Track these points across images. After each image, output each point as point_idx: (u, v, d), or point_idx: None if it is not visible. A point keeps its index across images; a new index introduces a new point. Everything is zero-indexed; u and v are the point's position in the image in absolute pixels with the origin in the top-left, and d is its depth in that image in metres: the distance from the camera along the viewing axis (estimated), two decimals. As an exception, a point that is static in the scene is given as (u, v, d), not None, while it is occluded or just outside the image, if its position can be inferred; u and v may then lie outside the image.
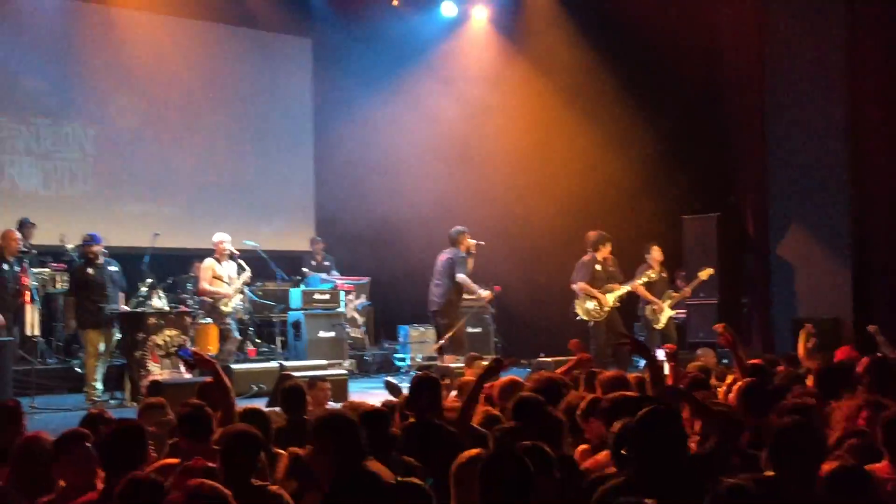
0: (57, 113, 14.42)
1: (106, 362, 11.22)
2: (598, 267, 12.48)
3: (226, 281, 12.00)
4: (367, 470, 4.29)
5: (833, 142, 13.60)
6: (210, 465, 4.31)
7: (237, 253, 12.35)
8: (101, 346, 11.10)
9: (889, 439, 4.59)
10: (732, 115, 14.75)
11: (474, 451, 4.17)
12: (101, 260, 11.22)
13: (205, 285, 11.94)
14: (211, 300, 12.02)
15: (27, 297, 11.46)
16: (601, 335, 12.39)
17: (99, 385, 11.08)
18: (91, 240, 11.28)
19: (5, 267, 11.11)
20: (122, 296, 11.56)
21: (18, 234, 11.37)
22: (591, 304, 12.42)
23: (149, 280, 12.14)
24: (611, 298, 12.39)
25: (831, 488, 4.00)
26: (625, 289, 12.52)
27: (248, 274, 12.36)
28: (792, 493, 3.98)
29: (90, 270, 11.16)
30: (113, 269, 11.36)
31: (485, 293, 12.48)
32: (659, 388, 5.53)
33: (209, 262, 12.08)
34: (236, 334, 12.24)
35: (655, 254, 12.97)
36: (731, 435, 4.80)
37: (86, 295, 11.11)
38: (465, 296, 12.54)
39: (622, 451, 4.36)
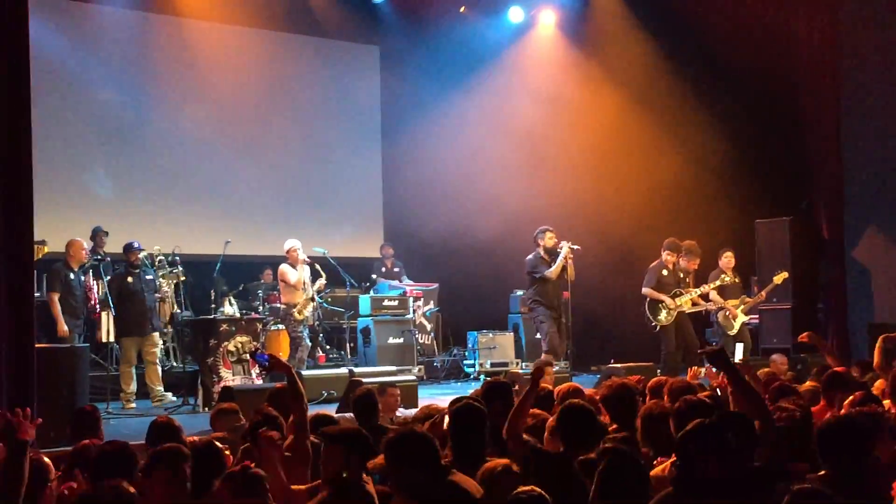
0: (132, 124, 14.65)
1: (157, 367, 11.37)
2: (664, 272, 12.36)
3: (301, 288, 12.14)
4: (453, 483, 4.30)
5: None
6: (257, 470, 4.32)
7: (309, 261, 12.45)
8: (135, 354, 11.29)
9: None
10: (806, 118, 14.49)
11: (503, 462, 4.18)
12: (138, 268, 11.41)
13: (282, 287, 12.12)
14: (284, 306, 12.14)
15: (95, 304, 11.65)
16: (670, 340, 12.26)
17: (160, 388, 11.28)
18: (130, 247, 11.46)
19: (72, 276, 11.29)
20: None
21: (85, 245, 11.55)
22: (658, 308, 12.30)
23: (223, 287, 12.31)
24: (679, 301, 12.25)
25: None
26: (695, 292, 12.36)
27: (322, 281, 12.46)
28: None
29: (129, 279, 11.34)
30: (149, 276, 11.50)
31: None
32: (740, 391, 5.29)
33: (283, 267, 12.21)
34: (307, 342, 12.34)
35: (728, 259, 12.80)
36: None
37: (126, 303, 11.30)
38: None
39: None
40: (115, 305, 11.29)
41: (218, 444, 4.93)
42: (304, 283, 12.18)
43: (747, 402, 4.97)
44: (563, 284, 12.43)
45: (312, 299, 12.37)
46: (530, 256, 12.38)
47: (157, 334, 11.52)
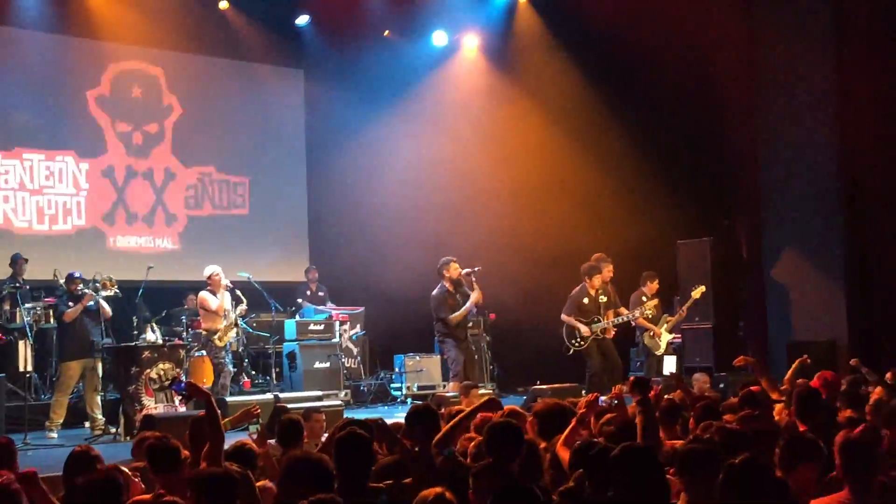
0: (49, 148, 14.41)
1: (98, 393, 11.20)
2: (585, 300, 12.48)
3: (221, 314, 11.95)
4: None
5: (825, 164, 13.64)
6: (171, 498, 4.26)
7: (230, 285, 12.32)
8: (75, 380, 11.16)
9: (846, 464, 4.52)
10: (726, 140, 14.76)
11: (437, 490, 4.17)
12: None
13: (203, 313, 11.93)
14: (205, 333, 11.97)
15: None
16: (594, 361, 12.38)
17: (101, 417, 11.13)
18: (71, 277, 11.35)
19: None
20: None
21: None
22: (574, 334, 12.43)
23: (145, 314, 12.13)
24: (595, 328, 12.37)
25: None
26: (615, 321, 12.46)
27: (243, 306, 12.32)
28: None
29: (71, 304, 11.20)
30: (91, 302, 11.33)
31: (471, 299, 12.30)
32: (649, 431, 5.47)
33: (203, 293, 12.03)
34: (230, 368, 12.17)
35: (652, 285, 12.99)
36: None
37: (68, 330, 11.20)
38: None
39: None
40: (57, 333, 11.30)
41: (125, 469, 4.90)
42: (224, 310, 12.01)
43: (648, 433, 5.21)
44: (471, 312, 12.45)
45: (234, 325, 12.21)
46: (435, 292, 12.25)
47: (99, 361, 11.31)
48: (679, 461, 4.50)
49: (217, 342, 11.86)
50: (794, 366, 8.97)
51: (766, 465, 4.32)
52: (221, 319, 11.91)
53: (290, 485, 4.39)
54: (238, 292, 12.32)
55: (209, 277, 12.05)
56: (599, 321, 12.38)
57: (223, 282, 12.07)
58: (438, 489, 4.21)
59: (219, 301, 11.99)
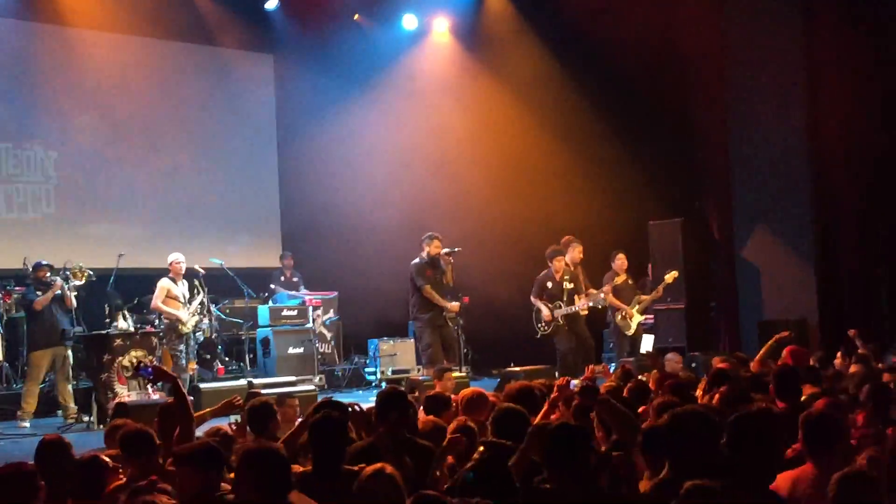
0: (18, 136, 14.27)
1: (70, 382, 11.14)
2: (549, 284, 12.55)
3: (182, 301, 11.86)
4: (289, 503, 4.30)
5: (793, 145, 13.75)
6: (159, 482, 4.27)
7: (202, 271, 12.26)
8: (44, 369, 11.12)
9: (807, 438, 4.62)
10: (695, 121, 14.85)
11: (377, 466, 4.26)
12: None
13: (159, 304, 11.78)
14: (168, 320, 11.85)
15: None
16: (563, 341, 12.47)
17: (73, 405, 11.09)
18: (39, 265, 11.31)
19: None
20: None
21: None
22: (540, 318, 12.52)
23: (117, 302, 12.06)
24: (558, 314, 12.44)
25: None
26: (579, 306, 12.51)
27: (203, 296, 12.20)
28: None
29: (38, 293, 11.14)
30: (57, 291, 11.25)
31: (451, 304, 12.45)
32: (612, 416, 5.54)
33: (164, 281, 11.91)
34: (183, 361, 11.84)
35: (620, 261, 13.08)
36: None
37: (36, 318, 11.17)
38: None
39: None
40: (26, 322, 11.28)
41: (103, 457, 4.88)
42: (184, 297, 11.92)
43: (619, 423, 5.26)
44: (446, 290, 12.47)
45: (196, 313, 12.09)
46: (415, 261, 12.39)
47: (70, 350, 11.23)
48: (643, 440, 4.55)
49: (182, 329, 11.75)
50: (769, 344, 9.06)
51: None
52: (182, 306, 11.82)
53: (244, 477, 4.36)
54: (198, 281, 12.21)
55: (171, 264, 11.97)
56: (561, 306, 12.44)
57: (183, 268, 11.96)
58: (380, 465, 4.28)
59: (179, 289, 11.89)
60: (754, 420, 4.30)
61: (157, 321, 12.53)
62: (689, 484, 3.78)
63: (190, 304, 11.87)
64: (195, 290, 12.08)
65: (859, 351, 9.66)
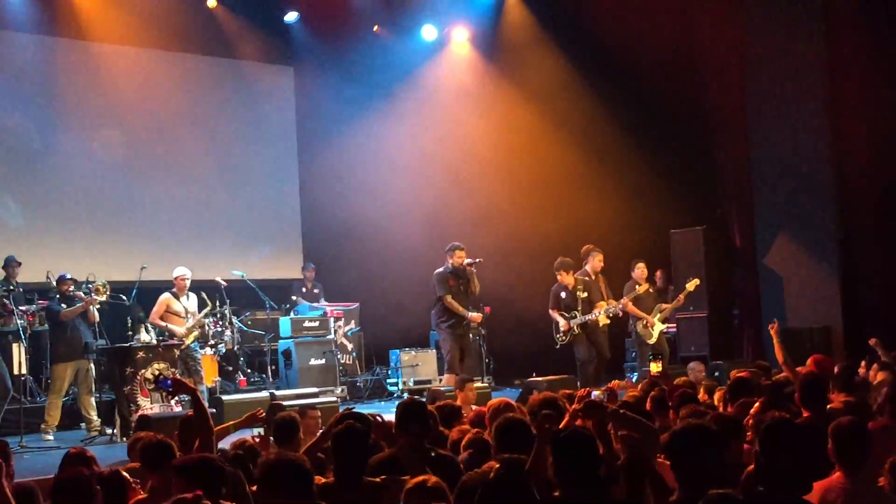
0: (42, 150, 14.36)
1: (92, 395, 11.18)
2: (563, 294, 12.51)
3: (183, 316, 11.85)
4: None
5: (816, 151, 13.66)
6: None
7: (224, 283, 12.24)
8: (67, 381, 11.13)
9: (838, 448, 4.57)
10: (715, 129, 14.79)
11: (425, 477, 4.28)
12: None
13: (156, 318, 11.73)
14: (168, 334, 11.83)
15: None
16: (581, 354, 12.43)
17: (96, 417, 11.10)
18: (63, 279, 11.34)
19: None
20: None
21: None
22: (558, 328, 12.49)
23: (139, 314, 12.10)
24: (573, 324, 12.40)
25: None
26: (596, 313, 12.45)
27: (208, 309, 12.19)
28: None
29: (64, 306, 11.18)
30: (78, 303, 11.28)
31: (473, 314, 12.42)
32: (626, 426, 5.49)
33: (165, 296, 11.86)
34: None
35: (640, 271, 13.01)
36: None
37: (58, 331, 11.21)
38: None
39: None
40: (50, 334, 11.29)
41: (124, 472, 4.89)
42: (187, 312, 11.91)
43: (637, 432, 5.18)
44: (470, 301, 12.44)
45: (199, 327, 12.05)
46: (439, 270, 12.30)
47: (92, 363, 11.27)
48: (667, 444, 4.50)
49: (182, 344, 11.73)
50: (776, 340, 9.02)
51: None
52: (184, 321, 11.81)
53: (267, 489, 4.35)
54: (204, 295, 12.21)
55: (176, 279, 11.97)
56: (577, 316, 12.40)
57: (187, 283, 11.96)
58: (433, 477, 4.26)
59: (182, 304, 11.89)
60: (786, 429, 4.26)
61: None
62: (713, 493, 3.74)
63: (193, 319, 11.84)
64: (202, 305, 12.07)
65: (882, 359, 9.57)
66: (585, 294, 12.48)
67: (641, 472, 4.67)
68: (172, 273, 12.06)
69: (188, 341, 11.70)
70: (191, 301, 11.99)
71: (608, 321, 12.61)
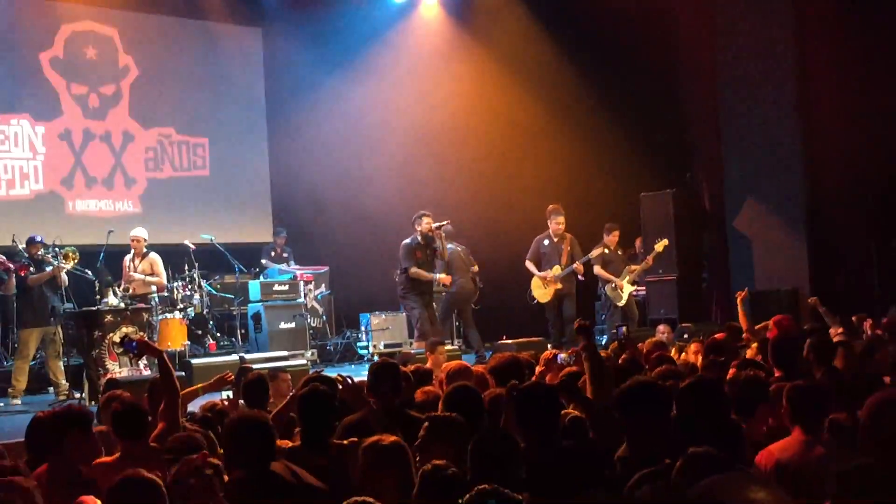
0: (4, 111, 14.16)
1: (60, 359, 11.11)
2: (546, 242, 12.55)
3: (136, 277, 11.86)
4: (271, 472, 4.29)
5: (785, 116, 13.74)
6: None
7: (192, 247, 12.17)
8: (33, 347, 11.10)
9: (793, 409, 4.60)
10: (686, 93, 14.83)
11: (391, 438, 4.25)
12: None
13: (125, 283, 11.81)
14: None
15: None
16: (552, 314, 12.47)
17: (64, 382, 11.03)
18: (32, 241, 11.27)
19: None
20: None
21: None
22: (535, 282, 12.52)
23: (107, 278, 12.00)
24: (551, 275, 12.44)
25: None
26: (569, 269, 12.52)
27: (157, 279, 12.14)
28: None
29: (32, 270, 11.10)
30: (48, 269, 11.18)
31: (441, 276, 12.40)
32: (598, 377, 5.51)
33: (125, 257, 11.99)
34: None
35: (613, 236, 13.05)
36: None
37: (25, 295, 11.14)
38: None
39: None
40: (16, 298, 11.19)
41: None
42: (136, 272, 11.92)
43: (594, 377, 5.28)
44: (437, 266, 12.43)
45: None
46: (406, 241, 12.22)
47: (59, 327, 11.19)
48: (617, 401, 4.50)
49: None
50: (741, 309, 9.13)
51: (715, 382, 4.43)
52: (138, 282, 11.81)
53: (229, 446, 4.36)
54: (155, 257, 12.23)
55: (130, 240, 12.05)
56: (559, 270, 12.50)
57: (141, 246, 12.03)
58: (394, 437, 4.25)
59: (132, 265, 11.88)
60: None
61: (149, 296, 12.48)
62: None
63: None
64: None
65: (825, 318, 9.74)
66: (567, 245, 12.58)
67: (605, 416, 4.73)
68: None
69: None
70: (145, 262, 11.91)
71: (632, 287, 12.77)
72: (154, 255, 12.14)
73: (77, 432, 4.70)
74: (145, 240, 12.23)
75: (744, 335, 8.42)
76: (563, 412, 4.89)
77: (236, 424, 4.38)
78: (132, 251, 12.14)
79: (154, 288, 11.98)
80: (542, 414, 4.45)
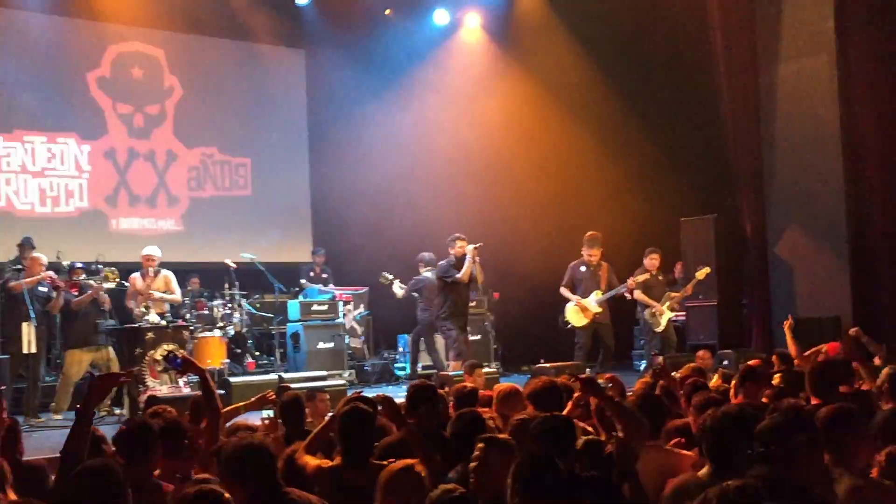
0: (51, 129, 14.38)
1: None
2: (582, 268, 12.52)
3: (144, 295, 11.78)
4: (287, 499, 4.22)
5: (827, 140, 13.59)
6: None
7: (234, 266, 12.22)
8: (79, 368, 11.11)
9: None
10: (728, 117, 14.71)
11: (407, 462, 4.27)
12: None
13: (128, 300, 11.74)
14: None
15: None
16: (586, 340, 12.42)
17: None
18: (73, 266, 11.40)
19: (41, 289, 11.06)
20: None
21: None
22: (572, 308, 12.48)
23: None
24: (586, 302, 12.39)
25: None
26: (609, 294, 12.47)
27: (174, 296, 12.02)
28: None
29: (74, 292, 11.20)
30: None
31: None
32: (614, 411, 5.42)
33: (133, 276, 11.82)
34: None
35: (653, 260, 12.98)
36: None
37: (70, 316, 11.24)
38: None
39: None
40: (62, 319, 11.26)
41: None
42: (148, 290, 11.82)
43: (621, 418, 5.03)
44: (473, 290, 12.43)
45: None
46: (443, 262, 12.34)
47: (111, 348, 11.23)
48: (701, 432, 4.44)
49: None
50: (789, 336, 9.02)
51: None
52: (145, 300, 11.78)
53: (227, 475, 4.27)
54: (169, 275, 12.10)
55: (142, 258, 11.92)
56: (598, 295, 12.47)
57: (153, 264, 11.83)
58: (412, 461, 4.25)
59: (144, 284, 11.82)
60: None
61: (187, 315, 12.58)
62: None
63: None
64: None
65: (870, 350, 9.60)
66: (602, 272, 12.55)
67: (627, 464, 4.65)
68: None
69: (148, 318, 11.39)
70: (158, 281, 11.84)
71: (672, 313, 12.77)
72: (167, 273, 11.97)
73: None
74: (158, 258, 12.18)
75: (795, 362, 8.34)
76: (578, 437, 4.85)
77: (228, 455, 4.25)
78: (144, 269, 11.87)
79: (167, 306, 11.94)
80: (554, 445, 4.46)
